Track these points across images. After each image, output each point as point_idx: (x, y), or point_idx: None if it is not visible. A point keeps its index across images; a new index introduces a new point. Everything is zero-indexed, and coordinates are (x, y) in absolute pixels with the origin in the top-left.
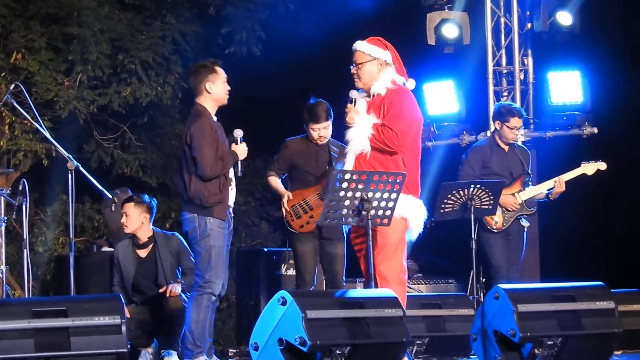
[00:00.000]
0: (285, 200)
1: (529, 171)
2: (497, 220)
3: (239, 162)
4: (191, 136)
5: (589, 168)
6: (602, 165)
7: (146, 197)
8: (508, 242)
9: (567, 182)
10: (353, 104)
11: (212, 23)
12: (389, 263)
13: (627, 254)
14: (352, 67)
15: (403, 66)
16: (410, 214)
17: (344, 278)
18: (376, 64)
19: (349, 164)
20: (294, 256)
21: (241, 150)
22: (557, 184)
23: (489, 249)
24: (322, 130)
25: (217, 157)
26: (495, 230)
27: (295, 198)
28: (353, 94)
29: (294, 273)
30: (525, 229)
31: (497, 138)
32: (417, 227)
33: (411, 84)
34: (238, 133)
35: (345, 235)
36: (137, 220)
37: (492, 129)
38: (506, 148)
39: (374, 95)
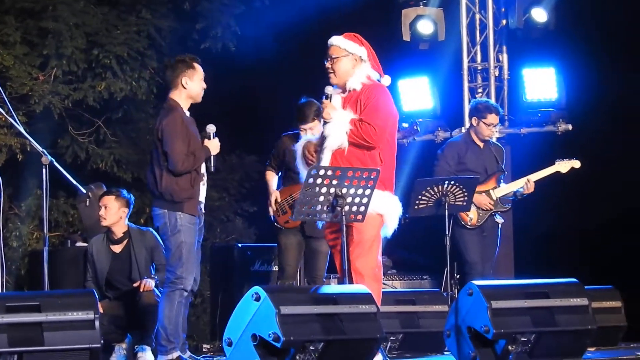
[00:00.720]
0: (272, 199)
1: (504, 168)
2: (471, 216)
3: (212, 157)
4: (162, 130)
5: (563, 166)
6: (577, 164)
7: (125, 192)
8: (482, 238)
9: (542, 180)
10: (329, 99)
11: (187, 18)
12: (364, 259)
13: (601, 251)
14: (326, 61)
15: (378, 62)
16: (386, 209)
17: (325, 274)
18: (351, 59)
19: (326, 159)
20: (278, 249)
21: (214, 145)
22: (527, 185)
23: (463, 245)
24: (310, 130)
25: (188, 152)
26: (469, 227)
27: (282, 194)
28: (328, 89)
29: (269, 269)
30: (500, 226)
31: (473, 134)
32: (393, 223)
33: (386, 80)
34: (211, 128)
35: None
36: (115, 214)
37: (468, 125)
38: (481, 145)
39: (349, 91)
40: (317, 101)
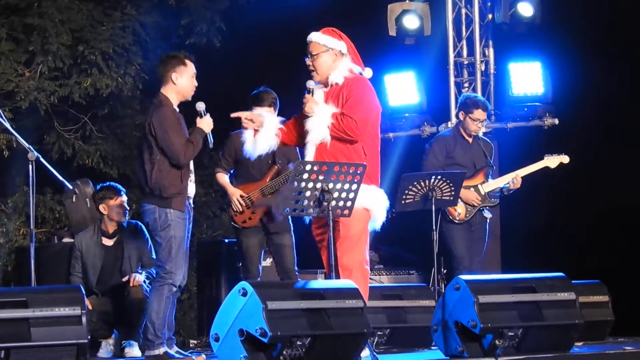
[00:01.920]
0: (237, 196)
1: (492, 163)
2: (459, 211)
3: (209, 134)
4: (154, 126)
5: (552, 161)
6: (565, 159)
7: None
8: (470, 233)
9: (530, 175)
10: (311, 94)
11: (172, 14)
12: (352, 254)
13: (587, 245)
14: (307, 58)
15: (358, 56)
16: (372, 204)
17: (296, 268)
18: (331, 54)
19: (310, 154)
20: (239, 250)
21: (206, 123)
22: (514, 180)
23: (450, 240)
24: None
25: (186, 141)
26: (457, 221)
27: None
28: (310, 84)
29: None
30: (488, 221)
31: (461, 129)
32: (380, 216)
33: (368, 72)
34: (200, 106)
35: (291, 226)
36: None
37: (455, 120)
38: (470, 139)
39: (331, 85)
40: (273, 92)
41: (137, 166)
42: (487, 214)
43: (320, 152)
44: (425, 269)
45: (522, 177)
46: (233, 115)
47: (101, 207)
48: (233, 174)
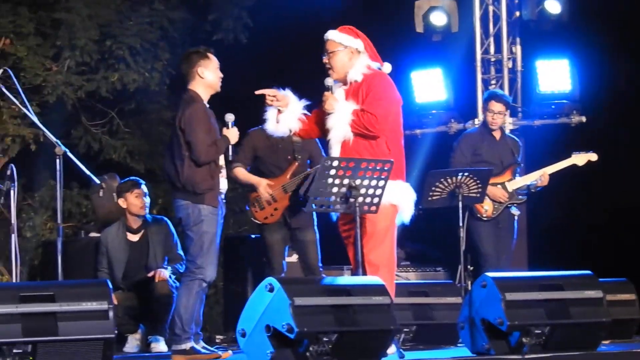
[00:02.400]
0: (264, 186)
1: (520, 161)
2: (487, 208)
3: (230, 146)
4: (185, 121)
5: (580, 159)
6: (593, 156)
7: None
8: (498, 230)
9: (558, 172)
10: (330, 91)
11: (199, 10)
12: (378, 250)
13: (615, 243)
14: (324, 56)
15: (376, 52)
16: (399, 199)
17: (320, 264)
18: (347, 52)
19: (335, 152)
20: (263, 246)
21: (232, 134)
22: (542, 178)
23: (477, 237)
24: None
25: (211, 142)
26: (485, 219)
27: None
28: (329, 81)
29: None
30: (516, 218)
31: (488, 125)
32: (408, 210)
33: (387, 67)
34: (229, 117)
35: (315, 221)
36: (148, 202)
37: (481, 117)
38: (497, 137)
39: (350, 83)
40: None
41: (166, 162)
42: (515, 211)
43: (344, 150)
44: (451, 266)
45: (549, 175)
46: (257, 92)
47: (121, 202)
48: (250, 170)
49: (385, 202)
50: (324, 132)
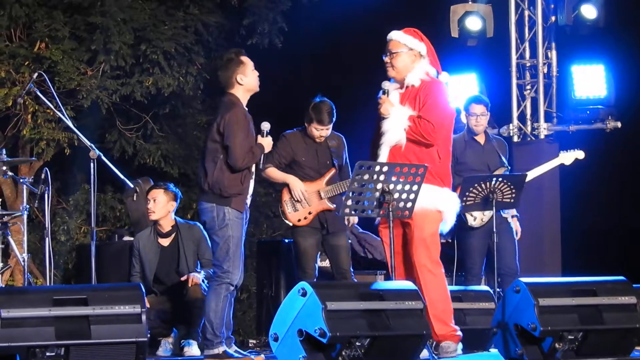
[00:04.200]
0: (298, 186)
1: (506, 162)
2: (475, 215)
3: (262, 155)
4: (226, 125)
5: (566, 157)
6: (580, 154)
7: (172, 186)
8: (492, 237)
9: (567, 171)
10: (386, 95)
11: (234, 14)
12: (427, 254)
13: None
14: (385, 56)
15: (437, 59)
16: (446, 206)
17: (352, 269)
18: (411, 54)
19: (384, 155)
20: (295, 249)
21: (267, 143)
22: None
23: (465, 248)
24: (324, 131)
25: (249, 149)
26: (476, 227)
27: (288, 193)
28: (385, 85)
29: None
30: (509, 220)
31: (472, 130)
32: (451, 219)
33: (444, 76)
34: (265, 126)
35: (347, 226)
36: (164, 207)
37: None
38: (482, 141)
39: (407, 87)
40: (331, 102)
41: (199, 165)
42: (506, 213)
43: (393, 154)
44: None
45: (537, 176)
46: None
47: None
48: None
49: (433, 207)
50: None
